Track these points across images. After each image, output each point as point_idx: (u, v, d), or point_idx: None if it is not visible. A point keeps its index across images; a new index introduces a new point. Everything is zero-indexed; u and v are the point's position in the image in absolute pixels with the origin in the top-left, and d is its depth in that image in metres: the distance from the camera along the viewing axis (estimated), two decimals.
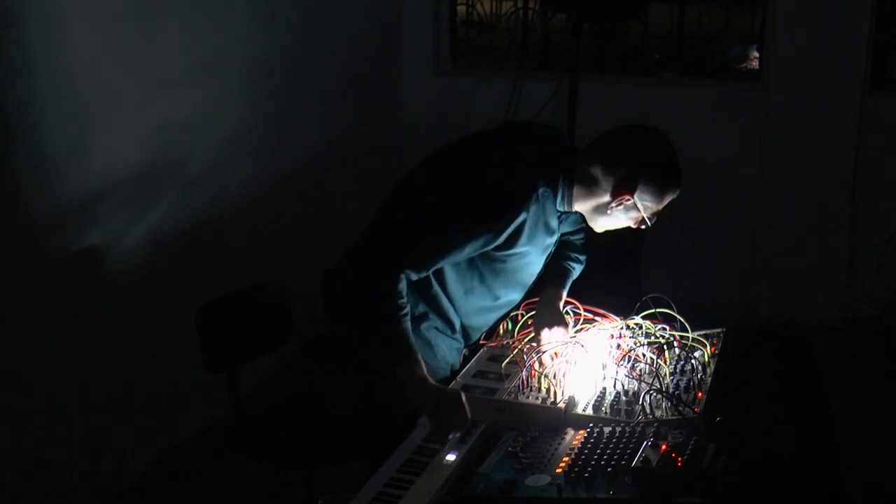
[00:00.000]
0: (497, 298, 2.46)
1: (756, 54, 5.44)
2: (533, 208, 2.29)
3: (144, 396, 3.53)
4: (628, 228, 2.45)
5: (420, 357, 2.21)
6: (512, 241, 2.29)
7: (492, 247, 2.28)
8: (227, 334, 2.84)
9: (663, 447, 1.85)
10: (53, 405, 3.16)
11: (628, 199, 2.33)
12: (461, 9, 5.69)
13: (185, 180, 3.73)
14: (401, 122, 5.44)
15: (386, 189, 2.44)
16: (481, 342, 2.55)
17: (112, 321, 3.37)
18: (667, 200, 2.38)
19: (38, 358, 3.09)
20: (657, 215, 2.40)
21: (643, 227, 2.41)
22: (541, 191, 2.30)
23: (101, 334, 3.33)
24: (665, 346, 2.41)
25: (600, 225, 2.43)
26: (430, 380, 2.18)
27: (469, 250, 2.26)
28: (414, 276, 2.24)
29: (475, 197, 2.26)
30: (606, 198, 2.34)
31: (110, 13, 3.27)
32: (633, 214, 2.37)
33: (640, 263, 4.72)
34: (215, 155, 3.91)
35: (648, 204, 2.35)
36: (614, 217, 2.39)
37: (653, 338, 2.45)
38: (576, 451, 1.93)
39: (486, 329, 2.55)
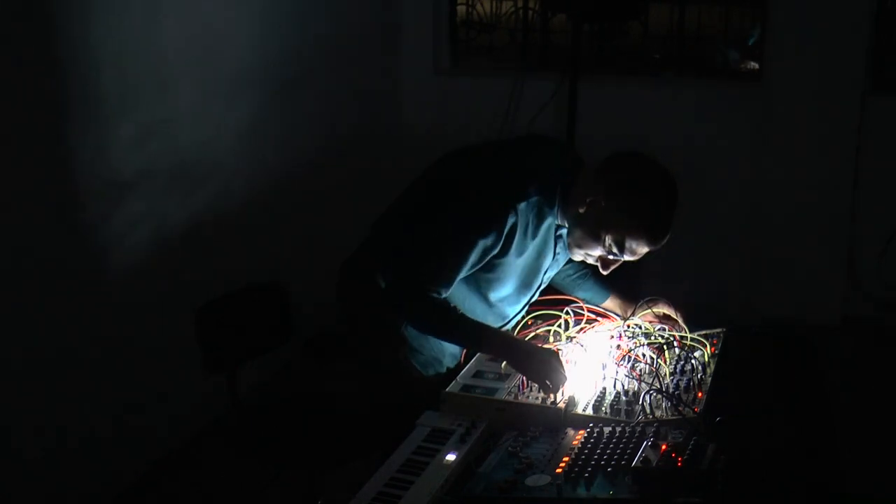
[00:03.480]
0: (492, 306, 2.48)
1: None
2: (522, 215, 2.29)
3: (144, 396, 3.53)
4: (598, 264, 2.39)
5: (493, 328, 2.39)
6: (506, 247, 2.31)
7: (494, 253, 2.30)
8: (227, 334, 2.84)
9: (663, 447, 1.85)
10: (52, 405, 3.16)
11: (600, 202, 2.26)
12: (461, 9, 5.68)
13: (185, 180, 3.73)
14: (401, 122, 5.44)
15: (385, 189, 2.45)
16: None
17: (112, 321, 3.37)
18: (639, 242, 2.29)
19: (38, 357, 3.08)
20: (622, 252, 2.30)
21: (608, 259, 2.34)
22: (533, 199, 2.31)
23: (100, 334, 3.33)
24: (665, 346, 2.41)
25: (573, 238, 2.37)
26: (519, 344, 2.32)
27: (474, 258, 2.29)
28: (444, 293, 2.30)
29: (469, 204, 2.31)
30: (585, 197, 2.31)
31: (107, 11, 3.27)
32: (597, 230, 2.29)
33: (639, 263, 4.71)
34: (215, 155, 3.91)
35: (615, 223, 2.26)
36: (583, 227, 2.32)
37: (653, 338, 2.45)
38: (576, 451, 1.93)
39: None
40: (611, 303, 2.67)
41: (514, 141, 2.56)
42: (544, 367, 2.18)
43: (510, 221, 2.28)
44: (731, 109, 5.12)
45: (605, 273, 2.39)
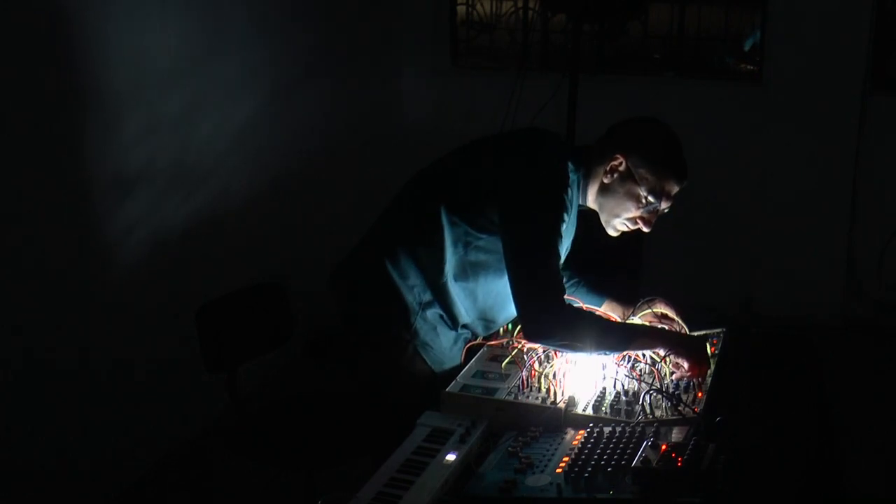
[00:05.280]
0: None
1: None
2: (572, 190, 2.38)
3: (144, 396, 3.53)
4: (637, 230, 2.44)
5: (634, 325, 2.46)
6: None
7: (567, 221, 2.34)
8: (227, 334, 2.84)
9: (663, 447, 1.85)
10: (53, 405, 3.16)
11: (620, 164, 2.35)
12: (461, 9, 5.68)
13: (185, 180, 3.73)
14: (401, 122, 5.44)
15: (385, 189, 2.44)
16: (481, 341, 2.55)
17: (112, 321, 3.37)
18: (669, 182, 2.37)
19: (38, 357, 3.08)
20: (660, 199, 2.37)
21: (648, 213, 2.39)
22: (573, 176, 2.38)
23: (100, 334, 3.33)
24: None
25: (607, 211, 2.43)
26: (669, 332, 2.41)
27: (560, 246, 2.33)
28: (565, 291, 2.32)
29: (535, 201, 2.32)
30: (603, 167, 2.39)
31: (108, 12, 3.27)
32: (631, 188, 2.36)
33: (639, 263, 4.72)
34: (216, 155, 3.91)
35: (644, 174, 2.35)
36: (614, 193, 2.39)
37: None
38: (576, 451, 1.93)
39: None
40: (607, 307, 2.67)
41: (525, 132, 2.57)
42: (698, 346, 2.31)
43: (569, 198, 2.35)
44: (731, 109, 5.12)
45: (648, 230, 2.43)
